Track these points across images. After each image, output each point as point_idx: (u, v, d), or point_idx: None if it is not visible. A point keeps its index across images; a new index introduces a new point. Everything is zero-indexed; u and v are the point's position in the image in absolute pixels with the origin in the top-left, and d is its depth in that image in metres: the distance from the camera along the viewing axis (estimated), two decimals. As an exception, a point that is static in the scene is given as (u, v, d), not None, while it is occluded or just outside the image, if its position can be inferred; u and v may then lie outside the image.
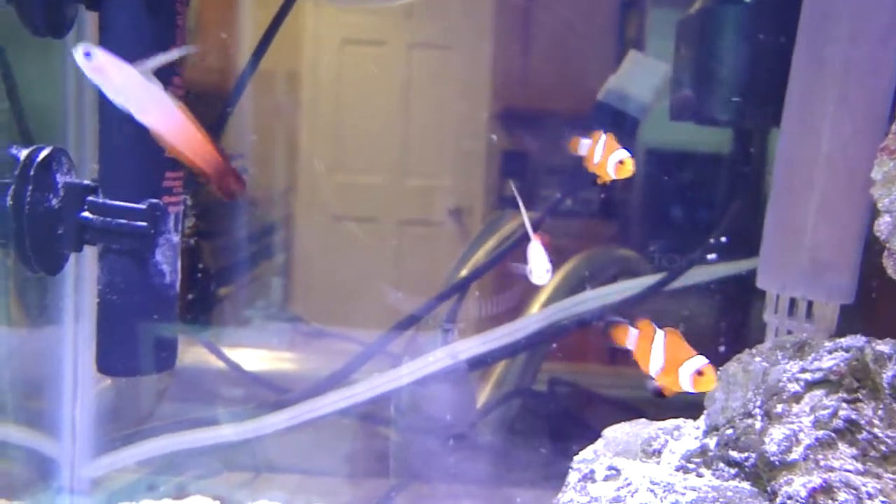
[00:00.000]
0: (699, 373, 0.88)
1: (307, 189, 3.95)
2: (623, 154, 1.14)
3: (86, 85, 1.12)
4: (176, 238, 1.03)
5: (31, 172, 0.98)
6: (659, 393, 0.92)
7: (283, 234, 3.89)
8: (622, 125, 1.56)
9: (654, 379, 0.93)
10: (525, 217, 1.25)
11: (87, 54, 0.83)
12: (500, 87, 3.53)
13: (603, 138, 1.18)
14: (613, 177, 1.15)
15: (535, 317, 1.54)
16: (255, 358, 2.31)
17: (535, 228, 1.67)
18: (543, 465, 1.64)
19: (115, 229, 0.99)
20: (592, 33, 3.16)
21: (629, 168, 1.13)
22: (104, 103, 0.99)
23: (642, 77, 1.54)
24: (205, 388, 1.61)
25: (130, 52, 0.95)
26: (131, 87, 0.85)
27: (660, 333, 0.94)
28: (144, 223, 0.98)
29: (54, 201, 1.00)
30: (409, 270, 3.79)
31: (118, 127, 0.98)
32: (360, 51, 3.71)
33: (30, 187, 0.97)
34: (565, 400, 2.05)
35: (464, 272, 1.99)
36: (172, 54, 0.89)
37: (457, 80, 3.70)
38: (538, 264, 1.14)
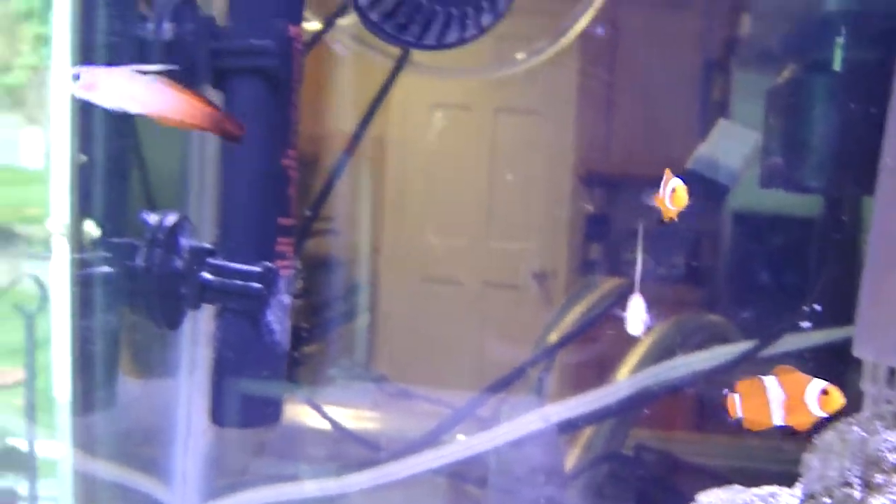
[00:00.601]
0: (825, 392, 0.87)
1: (393, 250, 4.04)
2: (676, 182, 1.14)
3: (208, 157, 1.22)
4: (286, 299, 1.10)
5: (160, 237, 1.06)
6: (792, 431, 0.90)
7: (370, 293, 3.97)
8: (712, 193, 1.58)
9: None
10: (638, 265, 1.25)
11: (76, 76, 0.87)
12: (584, 152, 3.58)
13: (666, 177, 1.20)
14: (670, 206, 1.17)
15: (626, 382, 1.55)
16: (339, 416, 2.36)
17: (624, 297, 1.69)
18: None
19: (231, 290, 1.06)
20: (677, 98, 3.19)
21: (682, 195, 1.13)
22: (226, 173, 1.09)
23: (732, 145, 1.56)
24: (301, 443, 1.67)
25: (252, 127, 1.04)
26: (121, 87, 0.88)
27: (768, 378, 0.92)
28: (259, 285, 1.06)
29: (178, 263, 1.08)
30: (493, 333, 3.81)
31: (238, 195, 1.07)
32: (447, 115, 3.82)
33: (158, 250, 1.06)
34: (653, 466, 2.03)
35: (553, 336, 2.01)
36: (156, 67, 0.92)
37: (541, 145, 3.76)
38: (635, 315, 1.16)
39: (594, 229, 3.65)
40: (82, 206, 1.12)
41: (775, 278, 2.04)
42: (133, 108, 0.88)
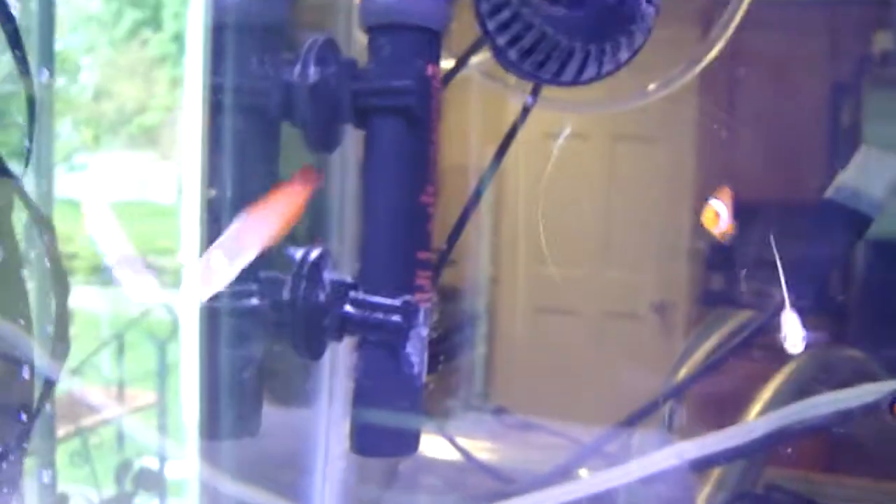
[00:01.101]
0: None
1: (510, 280, 4.05)
2: (713, 202, 1.15)
3: (348, 192, 1.27)
4: (424, 332, 1.12)
5: (304, 271, 1.11)
6: None
7: (487, 324, 3.99)
8: (853, 224, 1.52)
9: None
10: (783, 283, 1.23)
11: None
12: (706, 180, 3.50)
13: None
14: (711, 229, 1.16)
15: (764, 420, 1.49)
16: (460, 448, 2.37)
17: (759, 335, 1.64)
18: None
19: (372, 323, 1.10)
20: (803, 121, 3.09)
21: (711, 218, 1.13)
22: (367, 209, 1.12)
23: (875, 173, 1.50)
24: (429, 474, 1.69)
25: (393, 165, 1.08)
26: (234, 252, 0.97)
27: None
28: (399, 318, 1.08)
29: (321, 296, 1.12)
30: (611, 364, 3.75)
31: (379, 230, 1.10)
32: (565, 144, 3.82)
33: (303, 284, 1.10)
34: (786, 508, 1.95)
35: (683, 371, 1.96)
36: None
37: (661, 173, 3.71)
38: (793, 332, 1.13)
39: (716, 259, 3.56)
40: (212, 239, 1.16)
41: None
42: (250, 253, 0.96)
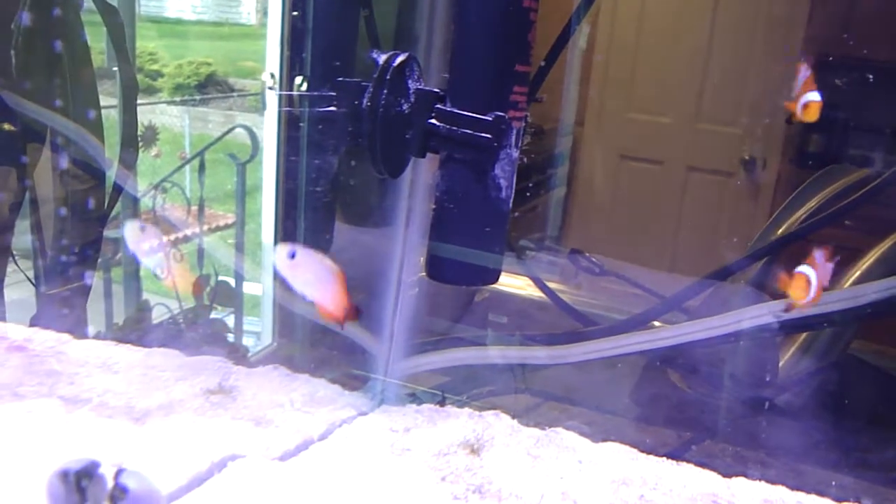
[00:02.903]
0: None
1: (595, 123, 3.88)
2: (813, 96, 1.12)
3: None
4: (515, 153, 1.01)
5: (388, 77, 1.00)
6: None
7: (568, 167, 3.86)
8: None
9: None
10: None
11: (292, 254, 0.96)
12: (818, 33, 3.21)
13: (804, 74, 1.15)
14: (801, 117, 1.13)
15: (872, 287, 1.36)
16: (530, 286, 2.31)
17: (872, 198, 1.49)
18: (861, 450, 1.49)
19: (459, 139, 0.99)
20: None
21: (814, 113, 1.12)
22: (461, 12, 0.99)
23: None
24: (508, 310, 1.64)
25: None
26: (315, 275, 0.97)
27: None
28: (489, 135, 0.98)
29: (405, 106, 1.02)
30: (693, 218, 3.62)
31: (473, 36, 0.98)
32: (665, -15, 3.54)
33: (385, 91, 1.00)
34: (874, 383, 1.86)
35: (781, 230, 1.83)
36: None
37: (768, 23, 3.41)
38: None
39: (820, 117, 3.32)
40: (295, 60, 1.07)
41: None
42: (308, 294, 0.98)
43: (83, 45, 1.58)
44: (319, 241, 1.11)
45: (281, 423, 0.98)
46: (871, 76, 2.95)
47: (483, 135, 0.98)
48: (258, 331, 2.80)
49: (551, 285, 2.25)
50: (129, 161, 1.60)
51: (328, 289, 0.99)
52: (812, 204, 1.82)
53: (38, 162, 1.54)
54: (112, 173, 1.60)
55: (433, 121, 1.01)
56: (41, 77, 1.50)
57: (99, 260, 1.74)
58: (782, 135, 3.45)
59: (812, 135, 3.36)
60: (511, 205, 1.03)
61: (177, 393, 1.02)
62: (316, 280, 0.99)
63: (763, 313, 1.31)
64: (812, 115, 1.12)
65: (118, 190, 1.64)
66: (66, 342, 1.14)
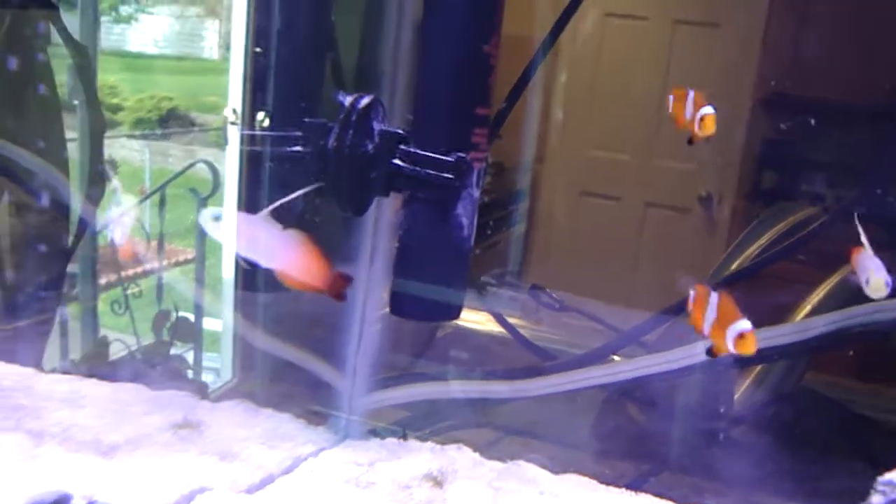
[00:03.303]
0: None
1: (555, 160, 3.95)
2: (708, 110, 1.14)
3: (402, 44, 1.17)
4: (476, 193, 1.05)
5: (354, 118, 1.03)
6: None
7: (528, 203, 3.91)
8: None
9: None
10: (859, 226, 1.14)
11: (217, 216, 0.94)
12: (768, 74, 3.32)
13: (691, 95, 1.17)
14: (698, 133, 1.15)
15: (821, 320, 1.42)
16: (490, 322, 2.34)
17: (820, 234, 1.55)
18: (814, 479, 1.53)
19: (422, 178, 1.02)
20: (886, 16, 2.88)
21: (711, 125, 1.14)
22: (425, 57, 1.03)
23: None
24: (469, 346, 1.66)
25: (454, 10, 0.98)
26: (258, 238, 0.94)
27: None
28: (451, 175, 1.01)
29: (370, 147, 1.05)
30: (651, 253, 3.69)
31: (436, 80, 1.01)
32: (621, 25, 3.64)
33: (351, 132, 1.03)
34: (822, 413, 1.91)
35: (734, 266, 1.89)
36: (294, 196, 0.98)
37: (722, 60, 3.52)
38: (877, 275, 1.04)
39: (771, 155, 3.42)
40: (257, 97, 1.10)
41: None
42: (266, 263, 0.94)
43: (51, 80, 1.59)
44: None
45: (247, 457, 0.99)
46: (819, 115, 3.05)
47: (445, 175, 1.01)
48: (218, 367, 2.79)
49: (512, 321, 2.28)
50: (95, 197, 1.61)
51: (293, 255, 0.93)
52: (763, 241, 1.88)
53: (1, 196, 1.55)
54: (77, 209, 1.61)
55: (397, 161, 1.04)
56: (8, 111, 1.51)
57: (62, 295, 1.74)
58: (737, 171, 3.55)
59: (765, 172, 3.47)
60: (472, 243, 1.06)
61: (144, 427, 1.02)
62: (273, 246, 0.93)
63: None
64: (709, 128, 1.15)
65: (83, 226, 1.64)
66: (30, 376, 1.14)
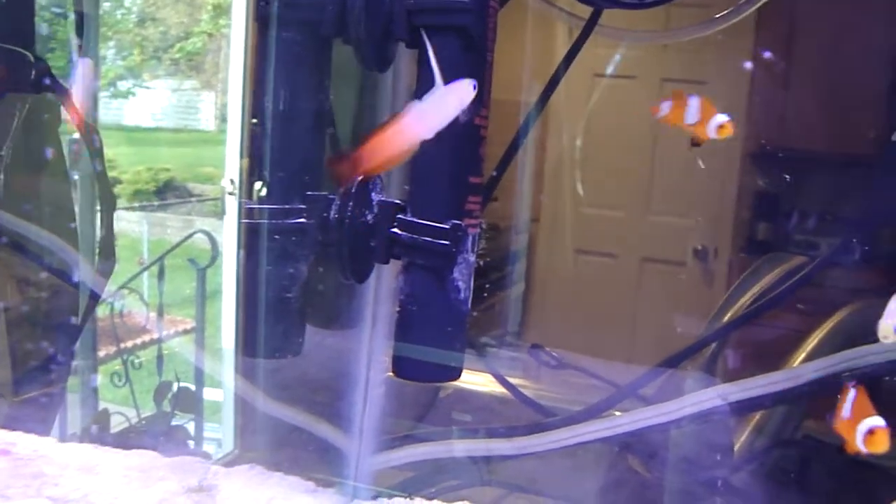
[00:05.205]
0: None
1: (551, 220, 4.01)
2: (724, 118, 1.22)
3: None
4: (472, 258, 1.10)
5: (353, 190, 1.09)
6: None
7: (526, 263, 3.96)
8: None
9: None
10: None
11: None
12: (757, 125, 3.41)
13: (696, 100, 1.24)
14: (714, 137, 1.22)
15: (812, 366, 1.46)
16: (491, 382, 2.37)
17: (810, 280, 1.59)
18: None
19: (420, 246, 1.08)
20: (865, 70, 2.98)
21: (730, 129, 1.22)
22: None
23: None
24: (471, 406, 1.70)
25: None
26: None
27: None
28: (447, 242, 1.06)
29: (369, 217, 1.11)
30: (648, 308, 3.73)
31: (431, 152, 1.08)
32: (611, 84, 3.74)
33: (351, 203, 1.09)
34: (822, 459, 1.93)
35: (727, 316, 1.93)
36: None
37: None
38: (889, 317, 1.09)
39: (763, 207, 3.49)
40: (256, 167, 1.15)
41: None
42: None
43: (61, 158, 1.67)
44: (292, 344, 1.17)
45: (261, 521, 1.02)
46: (807, 167, 3.13)
47: (442, 242, 1.07)
48: (220, 437, 2.80)
49: (515, 380, 2.31)
50: (106, 271, 1.66)
51: None
52: (755, 290, 1.93)
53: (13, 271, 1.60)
54: (88, 284, 1.66)
55: (395, 230, 1.10)
56: (22, 189, 1.58)
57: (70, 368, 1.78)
58: (731, 224, 3.62)
59: (759, 223, 3.53)
60: (470, 305, 1.11)
61: (160, 492, 1.06)
62: None
63: (712, 397, 1.39)
64: (728, 131, 1.21)
65: (94, 299, 1.70)
66: (46, 445, 1.18)
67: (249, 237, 1.15)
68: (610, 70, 3.81)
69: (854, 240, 1.48)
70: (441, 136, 1.05)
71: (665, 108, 1.31)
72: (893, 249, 2.06)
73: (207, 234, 3.23)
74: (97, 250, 1.70)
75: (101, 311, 2.59)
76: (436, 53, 1.06)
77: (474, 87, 1.00)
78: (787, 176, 3.42)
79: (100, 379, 2.59)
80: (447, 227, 1.07)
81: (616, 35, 1.82)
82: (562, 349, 2.51)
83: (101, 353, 2.88)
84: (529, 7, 1.71)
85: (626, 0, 1.04)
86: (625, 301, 3.84)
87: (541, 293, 3.93)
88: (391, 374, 1.15)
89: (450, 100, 1.01)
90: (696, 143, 1.28)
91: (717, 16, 1.74)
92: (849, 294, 2.00)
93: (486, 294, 3.39)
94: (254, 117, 1.16)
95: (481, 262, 1.15)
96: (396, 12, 1.09)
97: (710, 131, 1.24)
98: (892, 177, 1.44)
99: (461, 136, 1.07)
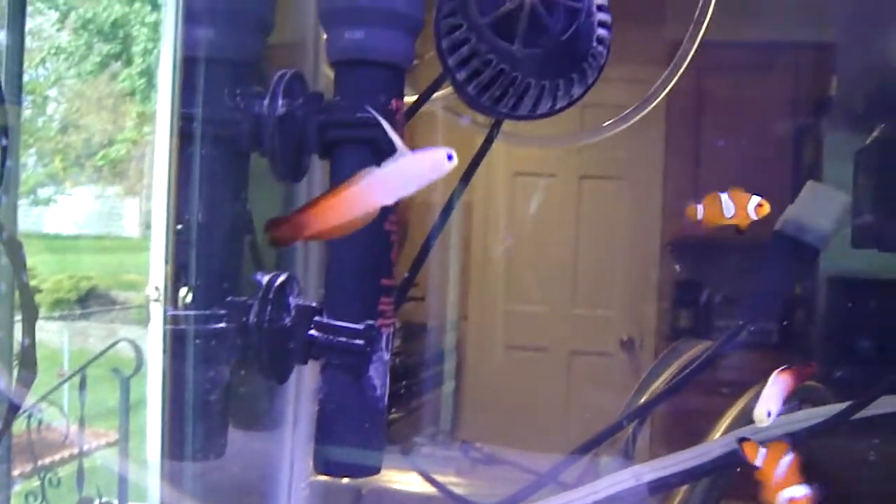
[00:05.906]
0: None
1: (478, 318, 4.08)
2: (757, 199, 1.32)
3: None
4: (386, 356, 1.16)
5: (271, 295, 1.14)
6: None
7: (455, 360, 4.00)
8: (801, 255, 1.59)
9: None
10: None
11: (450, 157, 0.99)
12: (673, 217, 3.58)
13: (725, 195, 1.34)
14: (756, 218, 1.30)
15: (718, 442, 1.54)
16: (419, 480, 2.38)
17: (710, 363, 1.68)
18: None
19: (336, 346, 1.13)
20: (768, 160, 3.18)
21: (767, 207, 1.31)
22: (331, 241, 1.16)
23: (821, 207, 1.57)
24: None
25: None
26: None
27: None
28: (362, 342, 1.12)
29: (287, 320, 1.16)
30: (578, 399, 3.78)
31: (344, 257, 1.14)
32: (531, 182, 3.90)
33: (269, 308, 1.14)
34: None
35: (642, 400, 2.01)
36: None
37: (628, 210, 3.78)
38: (762, 403, 1.17)
39: (683, 295, 3.63)
40: (181, 273, 1.19)
41: (870, 340, 2.00)
42: None
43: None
44: (214, 445, 1.19)
45: None
46: (721, 253, 3.28)
47: (356, 342, 1.12)
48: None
49: (447, 478, 2.33)
50: (27, 382, 1.64)
51: None
52: (665, 376, 2.01)
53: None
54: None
55: (312, 331, 1.15)
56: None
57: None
58: (655, 313, 3.73)
59: (681, 311, 3.65)
60: (386, 402, 1.16)
61: None
62: None
63: (627, 478, 1.44)
64: (766, 210, 1.29)
65: (14, 410, 1.67)
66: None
67: (174, 343, 1.19)
68: (530, 169, 3.96)
69: (742, 324, 1.59)
70: (354, 241, 1.12)
71: (700, 211, 1.40)
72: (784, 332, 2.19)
73: (132, 342, 3.17)
74: (15, 361, 1.69)
75: (17, 427, 2.52)
76: (349, 162, 1.14)
77: (449, 158, 0.98)
78: (701, 263, 3.58)
79: (13, 501, 2.51)
80: (361, 327, 1.13)
81: (523, 141, 1.94)
82: (495, 444, 2.54)
83: (16, 472, 2.78)
84: (439, 117, 1.81)
85: (520, 113, 1.14)
86: (555, 393, 3.89)
87: (472, 390, 3.96)
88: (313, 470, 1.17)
89: (419, 167, 0.99)
90: (740, 231, 1.36)
91: (623, 113, 1.85)
92: (761, 375, 2.09)
93: (417, 393, 3.41)
94: (178, 223, 1.18)
95: (411, 362, 1.20)
96: (309, 127, 1.17)
97: (752, 215, 1.33)
98: (773, 264, 1.55)
99: (372, 242, 1.14)
